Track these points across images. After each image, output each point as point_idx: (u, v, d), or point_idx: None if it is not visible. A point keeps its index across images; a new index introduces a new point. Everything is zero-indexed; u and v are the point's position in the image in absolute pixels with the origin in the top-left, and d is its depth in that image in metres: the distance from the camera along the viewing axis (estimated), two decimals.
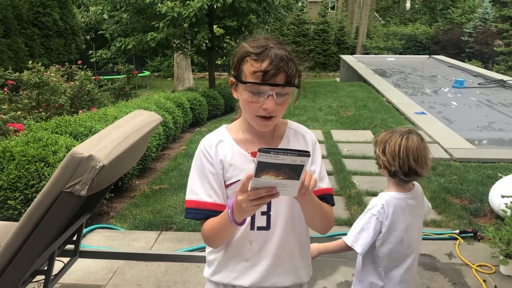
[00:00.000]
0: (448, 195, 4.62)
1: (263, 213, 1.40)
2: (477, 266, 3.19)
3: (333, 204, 1.45)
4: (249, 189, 1.15)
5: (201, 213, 1.39)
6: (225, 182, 1.41)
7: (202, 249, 3.42)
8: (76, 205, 1.93)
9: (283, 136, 1.46)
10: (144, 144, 2.44)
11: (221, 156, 1.41)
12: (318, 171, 1.43)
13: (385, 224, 1.89)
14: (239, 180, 1.34)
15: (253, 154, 1.38)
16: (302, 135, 1.48)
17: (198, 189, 1.40)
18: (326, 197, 1.43)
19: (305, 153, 1.08)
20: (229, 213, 1.25)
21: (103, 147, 1.83)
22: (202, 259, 2.74)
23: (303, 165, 1.10)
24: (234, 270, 1.44)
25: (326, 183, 1.45)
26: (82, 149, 1.77)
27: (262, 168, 1.09)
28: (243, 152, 1.41)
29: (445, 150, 6.30)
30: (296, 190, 1.16)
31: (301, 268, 1.49)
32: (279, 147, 1.43)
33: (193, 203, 1.40)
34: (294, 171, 1.10)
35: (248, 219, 1.38)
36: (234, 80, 1.38)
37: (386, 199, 1.91)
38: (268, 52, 1.29)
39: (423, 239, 3.65)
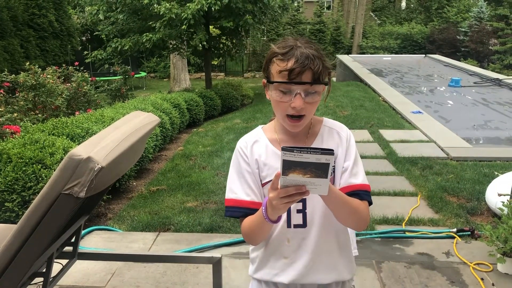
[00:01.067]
0: (445, 194, 4.64)
1: (298, 211, 1.43)
2: (474, 265, 3.20)
3: (369, 201, 1.44)
4: (279, 187, 1.17)
5: (239, 211, 1.42)
6: (261, 181, 1.44)
7: (200, 250, 3.42)
8: (74, 207, 1.92)
9: (317, 134, 1.47)
10: (142, 145, 2.44)
11: (256, 155, 1.45)
12: (350, 168, 1.43)
13: None
14: None
15: None
16: (336, 132, 1.48)
17: (237, 188, 1.44)
18: (359, 193, 1.41)
19: (329, 152, 1.09)
20: (263, 211, 1.28)
21: (102, 149, 1.82)
22: (201, 260, 2.75)
23: (328, 164, 1.11)
24: (274, 267, 1.47)
25: (360, 179, 1.43)
26: (81, 150, 1.77)
27: (288, 167, 1.11)
28: (277, 152, 1.43)
29: (442, 149, 6.33)
30: (326, 188, 1.17)
31: (342, 265, 1.49)
32: (312, 145, 1.45)
33: (231, 201, 1.44)
34: (321, 170, 1.12)
35: (284, 217, 1.41)
36: (265, 81, 1.41)
37: None
38: (294, 51, 1.31)
39: (422, 238, 3.68)
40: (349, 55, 22.62)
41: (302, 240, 1.44)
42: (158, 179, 5.44)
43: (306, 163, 1.10)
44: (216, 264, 2.53)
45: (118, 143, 1.94)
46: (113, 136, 2.00)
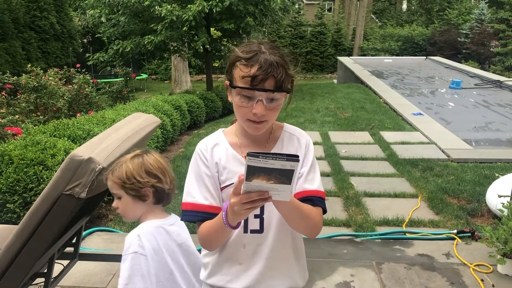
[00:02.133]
0: (445, 195, 4.64)
1: (256, 216, 1.41)
2: (474, 266, 3.20)
3: (323, 208, 1.42)
4: (241, 192, 1.16)
5: (197, 216, 1.40)
6: (220, 185, 1.42)
7: (199, 251, 3.42)
8: (75, 208, 1.94)
9: (277, 139, 1.47)
10: (143, 146, 2.45)
11: (216, 159, 1.42)
12: (306, 173, 1.42)
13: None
14: (233, 183, 1.34)
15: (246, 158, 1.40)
16: (297, 138, 1.48)
17: (195, 192, 1.41)
18: (313, 199, 1.40)
19: (294, 158, 1.08)
20: (223, 216, 1.26)
21: (103, 150, 1.84)
22: None
23: (293, 170, 1.10)
24: (228, 273, 1.45)
25: (315, 185, 1.42)
26: (82, 151, 1.79)
27: (252, 172, 1.10)
28: (237, 156, 1.42)
29: (442, 151, 6.33)
30: (288, 194, 1.16)
31: (296, 272, 1.49)
32: (273, 150, 1.43)
33: (189, 205, 1.41)
34: (285, 176, 1.11)
35: (242, 222, 1.37)
36: (228, 84, 1.40)
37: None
38: (258, 57, 1.30)
39: (422, 239, 3.69)
40: (350, 57, 22.64)
41: (258, 246, 1.42)
42: None
43: (271, 169, 1.09)
44: None
45: (119, 144, 1.95)
46: (114, 137, 2.02)
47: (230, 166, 1.41)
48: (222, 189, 1.42)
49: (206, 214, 1.38)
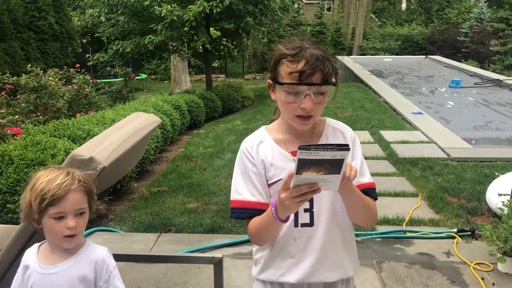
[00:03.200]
0: (445, 194, 4.65)
1: (305, 210, 1.43)
2: (475, 264, 3.21)
3: (375, 198, 1.47)
4: (291, 186, 1.18)
5: (245, 212, 1.42)
6: (267, 181, 1.44)
7: (202, 250, 3.43)
8: None
9: (322, 133, 1.48)
10: (144, 146, 2.45)
11: (262, 156, 1.44)
12: (359, 166, 1.45)
13: None
14: (281, 179, 1.38)
15: (293, 153, 1.41)
16: (340, 132, 1.50)
17: (242, 189, 1.44)
18: (368, 191, 1.45)
19: (345, 147, 1.10)
20: (273, 211, 1.28)
21: (103, 149, 1.84)
22: (202, 260, 2.76)
23: (343, 159, 1.11)
24: (281, 267, 1.46)
25: (367, 178, 1.47)
26: (83, 151, 1.79)
27: (303, 165, 1.11)
28: (283, 152, 1.44)
29: (442, 150, 6.33)
30: (337, 184, 1.18)
31: (347, 262, 1.51)
32: None
33: (237, 202, 1.44)
34: (335, 166, 1.12)
35: (292, 216, 1.41)
36: (271, 82, 1.42)
37: None
38: (303, 52, 1.32)
39: (422, 238, 3.69)
40: (350, 56, 22.65)
41: (309, 239, 1.45)
42: (159, 180, 5.45)
43: (321, 160, 1.10)
44: (217, 265, 2.54)
45: (119, 144, 1.95)
46: (115, 137, 2.02)
47: (277, 163, 1.43)
48: (270, 185, 1.44)
49: (254, 210, 1.40)
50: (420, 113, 8.79)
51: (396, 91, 11.66)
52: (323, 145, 1.09)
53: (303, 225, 1.44)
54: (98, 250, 1.51)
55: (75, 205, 1.41)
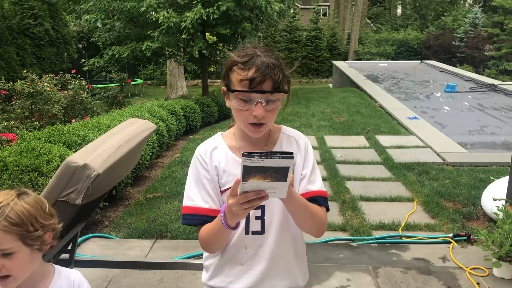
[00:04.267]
0: (441, 199, 4.65)
1: (257, 218, 1.43)
2: (470, 269, 3.21)
3: (327, 207, 1.46)
4: (238, 193, 1.18)
5: (197, 219, 1.41)
6: (220, 188, 1.44)
7: (197, 256, 3.42)
8: (71, 214, 1.93)
9: (276, 141, 1.49)
10: (139, 152, 2.45)
11: (216, 162, 1.44)
12: (308, 175, 1.45)
13: None
14: None
15: None
16: (295, 140, 1.51)
17: (194, 195, 1.43)
18: (317, 199, 1.44)
19: (289, 155, 1.11)
20: (222, 218, 1.27)
21: (98, 156, 1.83)
22: (197, 267, 2.75)
23: (288, 167, 1.12)
24: (230, 274, 1.46)
25: (317, 186, 1.46)
26: (77, 158, 1.78)
27: (248, 172, 1.11)
28: (237, 159, 1.43)
29: (438, 155, 6.35)
30: (285, 192, 1.19)
31: (297, 272, 1.52)
32: None
33: (189, 209, 1.43)
34: (280, 173, 1.13)
35: (243, 224, 1.41)
36: (225, 89, 1.42)
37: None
38: (254, 60, 1.32)
39: (418, 243, 3.69)
40: (345, 61, 22.72)
41: (259, 246, 1.45)
42: (155, 186, 5.43)
43: (266, 168, 1.11)
44: None
45: (114, 150, 1.95)
46: (109, 143, 2.01)
47: (230, 169, 1.43)
48: (222, 192, 1.44)
49: (206, 217, 1.39)
50: (416, 118, 8.82)
51: (392, 96, 11.70)
52: (267, 152, 1.10)
53: (254, 232, 1.44)
54: (72, 275, 1.43)
55: None
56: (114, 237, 3.88)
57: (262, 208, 1.42)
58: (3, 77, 7.99)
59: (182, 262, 2.90)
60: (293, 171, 1.44)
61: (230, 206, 1.21)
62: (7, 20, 17.01)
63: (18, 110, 6.81)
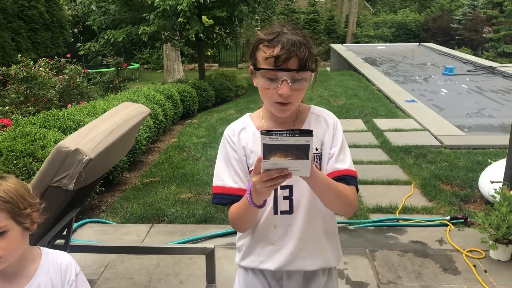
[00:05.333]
0: (438, 182, 4.65)
1: (285, 198, 1.43)
2: (467, 252, 3.21)
3: (356, 186, 1.44)
4: (261, 171, 1.17)
5: (226, 198, 1.42)
6: (248, 168, 1.45)
7: (194, 241, 3.41)
8: (64, 200, 1.91)
9: (304, 121, 1.47)
10: (132, 136, 2.42)
11: (244, 143, 1.44)
12: (336, 154, 1.43)
13: None
14: None
15: None
16: (324, 119, 1.48)
17: (224, 175, 1.44)
18: (345, 177, 1.41)
19: (308, 133, 1.09)
20: (248, 196, 1.28)
21: (90, 140, 1.80)
22: (194, 251, 2.75)
23: (308, 145, 1.11)
24: (261, 254, 1.48)
25: (346, 165, 1.43)
26: (69, 142, 1.75)
27: (268, 150, 1.12)
28: None
29: (436, 137, 6.34)
30: (308, 170, 1.17)
31: (329, 252, 1.51)
32: None
33: (219, 188, 1.44)
34: (301, 151, 1.12)
35: (271, 203, 1.42)
36: (252, 68, 1.41)
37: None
38: (280, 38, 1.30)
39: (415, 226, 3.69)
40: (343, 44, 22.56)
41: (289, 226, 1.44)
42: (152, 171, 5.42)
43: (286, 146, 1.10)
44: (209, 255, 2.53)
45: (106, 135, 1.92)
46: (102, 128, 1.98)
47: (258, 150, 1.42)
48: (250, 172, 1.44)
49: (235, 196, 1.40)
50: (414, 100, 8.79)
51: (390, 79, 11.64)
52: (286, 130, 1.09)
53: (282, 212, 1.44)
54: (59, 257, 1.42)
55: None
56: (110, 222, 3.87)
57: (290, 188, 1.41)
58: None
59: (178, 247, 2.89)
60: (321, 149, 1.44)
61: (254, 184, 1.22)
62: (0, 2, 16.78)
63: (13, 95, 6.75)
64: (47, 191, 1.75)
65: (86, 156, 1.70)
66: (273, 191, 1.37)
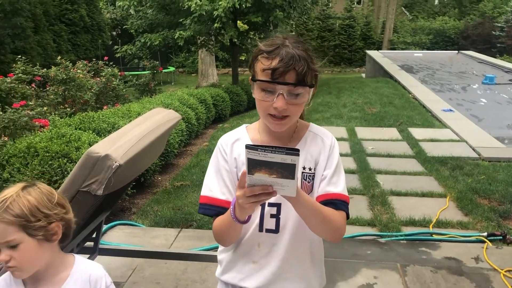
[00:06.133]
0: (475, 195, 4.48)
1: (272, 216, 1.39)
2: (505, 271, 3.07)
3: (346, 212, 1.38)
4: (245, 186, 1.14)
5: (212, 209, 1.39)
6: (238, 180, 1.39)
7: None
8: (93, 204, 1.92)
9: (301, 138, 1.44)
10: (162, 142, 2.42)
11: (236, 154, 1.41)
12: (329, 176, 1.39)
13: None
14: None
15: None
16: (321, 138, 1.44)
17: (213, 186, 1.41)
18: (335, 202, 1.36)
19: (294, 152, 1.05)
20: (232, 210, 1.25)
21: (120, 146, 1.81)
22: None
23: (294, 164, 1.06)
24: (242, 271, 1.44)
25: (339, 189, 1.39)
26: (99, 148, 1.76)
27: (253, 165, 1.08)
28: None
29: (473, 149, 6.12)
30: (294, 190, 1.13)
31: (312, 276, 1.46)
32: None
33: (206, 198, 1.41)
34: (287, 170, 1.08)
35: (257, 220, 1.38)
36: (250, 79, 1.38)
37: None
38: (279, 50, 1.28)
39: (450, 241, 3.56)
40: (379, 50, 22.22)
41: (273, 245, 1.40)
42: (183, 174, 5.45)
43: (271, 163, 1.06)
44: None
45: (137, 141, 1.92)
46: (133, 134, 1.99)
47: None
48: None
49: (222, 208, 1.36)
50: (451, 110, 8.54)
51: (427, 87, 11.36)
52: (271, 147, 1.05)
53: (268, 230, 1.40)
54: (90, 269, 1.43)
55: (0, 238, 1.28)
56: (140, 225, 3.90)
57: (278, 206, 1.37)
58: (37, 63, 8.14)
59: (203, 254, 2.87)
60: (314, 170, 1.39)
61: (237, 198, 1.19)
62: (44, 6, 17.37)
63: (52, 96, 6.93)
64: (77, 195, 1.76)
65: (115, 162, 1.70)
66: (260, 208, 1.35)
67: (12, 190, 1.31)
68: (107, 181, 1.72)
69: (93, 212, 2.25)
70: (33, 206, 1.29)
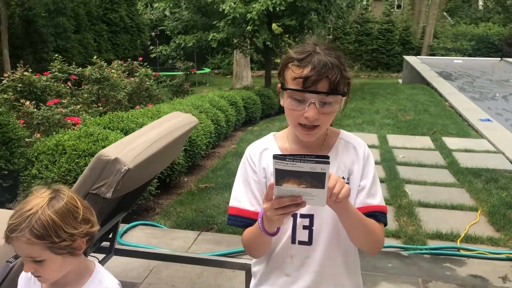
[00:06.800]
0: (509, 211, 4.28)
1: (304, 227, 1.35)
2: None
3: (385, 223, 1.35)
4: (273, 197, 1.11)
5: (241, 221, 1.37)
6: None
7: (237, 253, 3.36)
8: (104, 206, 1.93)
9: (332, 147, 1.39)
10: (178, 147, 2.42)
11: (264, 164, 1.38)
12: (368, 187, 1.35)
13: None
14: None
15: None
16: (353, 147, 1.39)
17: (241, 196, 1.38)
18: (376, 214, 1.33)
19: (324, 160, 1.01)
20: (260, 222, 1.22)
21: (131, 150, 1.81)
22: (233, 265, 2.70)
23: (324, 173, 1.03)
24: (275, 284, 1.40)
25: (377, 200, 1.35)
26: (110, 151, 1.77)
27: (281, 176, 1.04)
28: None
29: (510, 162, 5.87)
30: (323, 200, 1.09)
31: (349, 287, 1.42)
32: None
33: (235, 210, 1.38)
34: (317, 179, 1.04)
35: (289, 232, 1.35)
36: (280, 87, 1.34)
37: None
38: (311, 57, 1.23)
39: (477, 257, 3.40)
40: (418, 56, 21.72)
41: (306, 258, 1.36)
42: (208, 176, 5.46)
43: (300, 172, 1.02)
44: (249, 272, 2.46)
45: (149, 145, 1.92)
46: (147, 137, 1.99)
47: None
48: None
49: (250, 220, 1.34)
50: (489, 120, 8.23)
51: (465, 95, 11.01)
52: (300, 155, 1.01)
53: (300, 242, 1.35)
54: (106, 282, 1.41)
55: (24, 254, 1.29)
56: (161, 226, 3.92)
57: (311, 217, 1.33)
58: (79, 62, 8.39)
59: (218, 259, 2.83)
60: (348, 179, 1.35)
61: (265, 210, 1.16)
62: (86, 6, 17.92)
63: (86, 95, 7.11)
64: (87, 197, 1.78)
65: (124, 166, 1.70)
66: (292, 219, 1.30)
67: (37, 203, 1.28)
68: (115, 185, 1.72)
69: (109, 212, 2.27)
70: (58, 227, 1.26)
